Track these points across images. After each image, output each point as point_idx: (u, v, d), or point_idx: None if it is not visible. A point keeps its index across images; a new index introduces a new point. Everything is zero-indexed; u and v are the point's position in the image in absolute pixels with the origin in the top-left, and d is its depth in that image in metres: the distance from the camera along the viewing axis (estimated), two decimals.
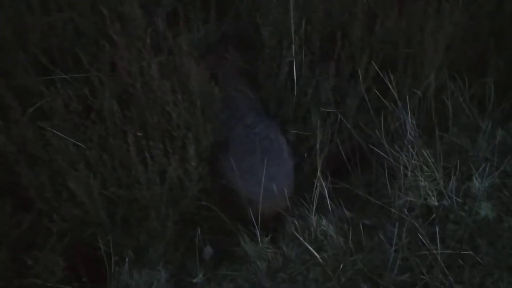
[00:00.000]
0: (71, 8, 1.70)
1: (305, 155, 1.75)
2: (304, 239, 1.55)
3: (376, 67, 1.65)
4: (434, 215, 1.60)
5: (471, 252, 1.47)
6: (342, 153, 1.75)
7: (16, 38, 1.64)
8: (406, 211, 1.60)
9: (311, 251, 1.49)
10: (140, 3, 1.71)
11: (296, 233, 1.52)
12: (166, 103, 1.49)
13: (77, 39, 1.72)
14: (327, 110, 1.68)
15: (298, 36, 1.65)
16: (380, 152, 1.69)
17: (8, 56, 1.62)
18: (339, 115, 1.70)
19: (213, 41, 1.93)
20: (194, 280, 1.55)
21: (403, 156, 1.66)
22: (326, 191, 1.58)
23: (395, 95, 1.66)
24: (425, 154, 1.66)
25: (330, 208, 1.60)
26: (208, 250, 1.64)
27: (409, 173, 1.65)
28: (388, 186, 1.67)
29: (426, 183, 1.65)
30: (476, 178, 1.67)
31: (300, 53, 1.68)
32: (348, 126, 1.72)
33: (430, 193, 1.65)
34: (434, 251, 1.45)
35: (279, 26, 1.71)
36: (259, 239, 1.56)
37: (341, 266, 1.47)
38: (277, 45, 1.72)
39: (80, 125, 1.49)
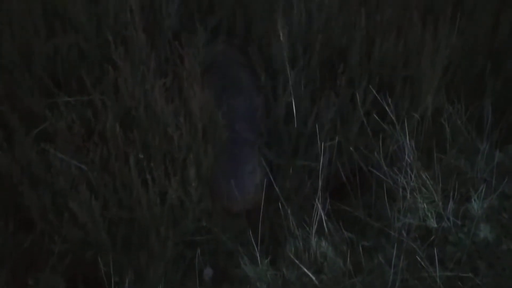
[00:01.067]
0: (76, 32, 1.74)
1: (306, 177, 1.76)
2: (304, 261, 1.55)
3: (375, 91, 1.67)
4: (433, 237, 1.61)
5: (470, 275, 1.47)
6: (342, 175, 1.76)
7: (22, 61, 1.68)
8: (405, 233, 1.61)
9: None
10: (144, 27, 1.76)
11: (294, 256, 1.53)
12: (168, 126, 1.52)
13: (81, 62, 1.76)
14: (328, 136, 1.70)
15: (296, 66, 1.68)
16: (379, 175, 1.71)
17: (13, 78, 1.66)
18: (338, 139, 1.71)
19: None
20: None
21: (402, 178, 1.67)
22: (325, 213, 1.60)
23: (393, 118, 1.68)
24: (424, 176, 1.68)
25: (330, 230, 1.60)
26: (208, 271, 1.65)
27: (408, 195, 1.66)
28: (388, 208, 1.68)
29: (425, 205, 1.66)
30: (474, 200, 1.67)
31: (299, 83, 1.71)
32: (348, 149, 1.73)
33: (429, 215, 1.66)
34: (433, 274, 1.46)
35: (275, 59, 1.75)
36: (259, 261, 1.56)
37: None
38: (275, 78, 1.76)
39: (83, 147, 1.52)
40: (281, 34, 1.73)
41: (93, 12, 1.76)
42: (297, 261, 1.51)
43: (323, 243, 1.59)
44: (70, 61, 1.75)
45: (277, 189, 1.66)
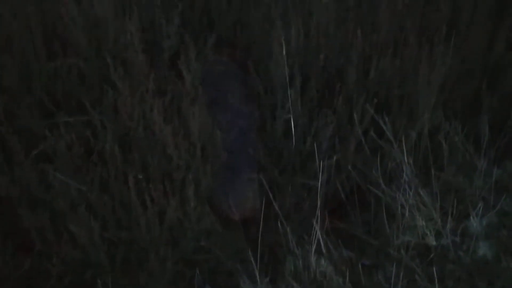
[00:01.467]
0: (76, 54, 1.76)
1: (305, 195, 1.76)
2: (304, 279, 1.55)
3: (372, 110, 1.69)
4: (433, 254, 1.61)
5: None
6: (341, 193, 1.77)
7: (22, 82, 1.70)
8: (404, 251, 1.60)
9: None
10: (143, 48, 1.78)
11: (294, 274, 1.52)
12: (167, 146, 1.53)
13: (81, 83, 1.78)
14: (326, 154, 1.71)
15: (295, 85, 1.70)
16: (378, 192, 1.71)
17: (13, 99, 1.67)
18: (336, 157, 1.72)
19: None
20: None
21: (400, 195, 1.68)
22: (324, 231, 1.60)
23: (390, 137, 1.69)
24: (422, 193, 1.68)
25: (329, 248, 1.60)
26: None
27: (407, 213, 1.67)
28: (387, 226, 1.68)
29: (423, 222, 1.66)
30: (473, 217, 1.68)
31: (296, 102, 1.72)
32: (346, 167, 1.74)
33: (428, 233, 1.66)
34: None
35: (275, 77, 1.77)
36: (258, 280, 1.56)
37: None
38: (273, 96, 1.78)
39: (82, 168, 1.53)
40: (283, 50, 1.75)
41: (93, 35, 1.79)
42: (296, 283, 1.50)
43: (323, 262, 1.59)
44: (70, 82, 1.77)
45: (276, 206, 1.67)
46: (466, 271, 1.53)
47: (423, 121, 1.75)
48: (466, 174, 1.82)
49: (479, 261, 1.58)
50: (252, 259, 1.53)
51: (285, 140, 1.77)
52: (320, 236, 1.59)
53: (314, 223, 1.60)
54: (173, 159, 1.54)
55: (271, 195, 1.67)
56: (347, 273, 1.52)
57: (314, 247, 1.60)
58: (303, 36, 1.90)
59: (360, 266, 1.58)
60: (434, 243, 1.64)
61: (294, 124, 1.74)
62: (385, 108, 1.76)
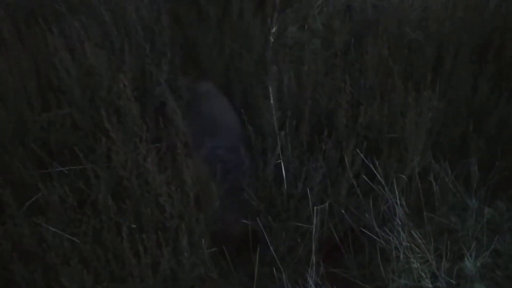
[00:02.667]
0: (70, 104, 1.78)
1: (298, 240, 1.76)
2: None
3: (362, 154, 1.72)
4: None
5: None
6: (335, 236, 1.77)
7: (15, 134, 1.71)
8: None
9: None
10: (135, 96, 1.81)
11: None
12: (160, 195, 1.53)
13: (74, 132, 1.79)
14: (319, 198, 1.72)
15: (284, 130, 1.73)
16: (372, 235, 1.72)
17: (7, 151, 1.68)
18: (329, 201, 1.73)
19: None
20: None
21: (394, 238, 1.68)
22: (319, 277, 1.59)
23: (382, 180, 1.71)
24: (415, 235, 1.69)
25: None
26: None
27: (401, 255, 1.67)
28: (382, 269, 1.68)
29: (418, 264, 1.66)
30: (468, 258, 1.68)
31: (286, 146, 1.75)
32: (339, 211, 1.75)
33: (423, 275, 1.66)
34: None
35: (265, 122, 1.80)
36: None
37: None
38: (263, 143, 1.81)
39: (75, 220, 1.52)
40: (271, 98, 1.80)
41: (86, 85, 1.82)
42: None
43: None
44: (64, 132, 1.78)
45: (272, 248, 1.66)
46: None
47: (413, 163, 1.77)
48: (458, 214, 1.84)
49: None
50: None
51: (276, 185, 1.79)
52: (315, 282, 1.58)
53: (309, 269, 1.59)
54: (166, 209, 1.54)
55: (268, 239, 1.67)
56: None
57: None
58: (293, 81, 1.94)
59: None
60: (430, 286, 1.63)
61: (285, 169, 1.76)
62: (375, 152, 1.79)
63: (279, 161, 1.75)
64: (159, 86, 1.97)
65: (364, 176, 1.75)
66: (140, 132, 1.64)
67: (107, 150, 1.67)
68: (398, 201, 1.73)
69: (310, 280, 1.60)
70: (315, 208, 1.64)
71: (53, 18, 1.98)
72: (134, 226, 1.52)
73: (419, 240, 1.68)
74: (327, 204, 1.69)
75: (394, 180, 1.74)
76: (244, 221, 1.71)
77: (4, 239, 1.47)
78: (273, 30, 2.22)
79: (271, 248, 1.67)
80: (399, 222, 1.70)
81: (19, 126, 1.72)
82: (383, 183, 1.73)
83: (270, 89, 1.86)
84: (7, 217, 1.51)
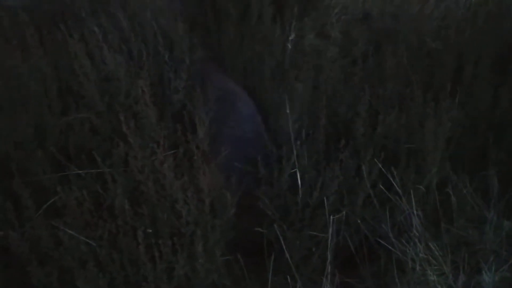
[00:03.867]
0: (88, 108, 1.80)
1: (313, 249, 1.75)
2: None
3: (380, 163, 1.70)
4: None
5: None
6: (351, 246, 1.75)
7: (35, 137, 1.73)
8: None
9: None
10: (153, 101, 1.82)
11: None
12: (176, 201, 1.54)
13: (92, 137, 1.81)
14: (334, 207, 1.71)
15: (300, 138, 1.73)
16: (388, 246, 1.70)
17: (26, 154, 1.70)
18: (345, 210, 1.72)
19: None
20: None
21: (410, 249, 1.66)
22: (334, 287, 1.57)
23: (399, 190, 1.70)
24: (432, 247, 1.66)
25: None
26: None
27: (417, 267, 1.64)
28: (397, 280, 1.65)
29: (435, 277, 1.64)
30: (485, 272, 1.65)
31: (302, 155, 1.75)
32: (355, 220, 1.74)
33: None
34: None
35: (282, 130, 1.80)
36: None
37: None
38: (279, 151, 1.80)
39: (92, 223, 1.53)
40: (287, 106, 1.80)
41: (105, 90, 1.84)
42: None
43: None
44: (82, 136, 1.80)
45: (286, 257, 1.65)
46: None
47: (431, 174, 1.75)
48: (476, 227, 1.81)
49: None
50: None
51: (292, 193, 1.78)
52: None
53: (324, 279, 1.58)
54: (182, 215, 1.54)
55: (282, 248, 1.66)
56: None
57: None
58: (309, 89, 1.94)
59: None
60: None
61: (301, 178, 1.75)
62: (393, 161, 1.77)
63: (294, 170, 1.74)
64: (177, 92, 1.98)
65: (381, 186, 1.73)
66: (157, 137, 1.65)
67: (124, 154, 1.68)
68: (415, 212, 1.71)
69: None
70: (331, 217, 1.63)
71: (74, 23, 2.01)
72: (150, 231, 1.52)
73: (436, 252, 1.65)
74: (344, 213, 1.68)
75: (412, 191, 1.72)
76: (259, 229, 1.71)
77: (22, 241, 1.49)
78: (291, 37, 2.22)
79: (285, 256, 1.66)
80: (416, 233, 1.67)
81: (39, 129, 1.74)
82: (400, 193, 1.71)
83: (286, 97, 1.86)
84: (25, 219, 1.53)
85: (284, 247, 1.67)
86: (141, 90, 1.73)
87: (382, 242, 1.71)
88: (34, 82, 1.69)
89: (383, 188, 1.74)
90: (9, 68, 1.70)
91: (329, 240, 1.61)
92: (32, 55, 1.77)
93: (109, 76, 1.89)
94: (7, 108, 1.69)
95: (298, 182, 1.75)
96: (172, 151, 1.70)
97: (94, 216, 1.54)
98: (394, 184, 1.71)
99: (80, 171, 1.73)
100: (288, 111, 1.74)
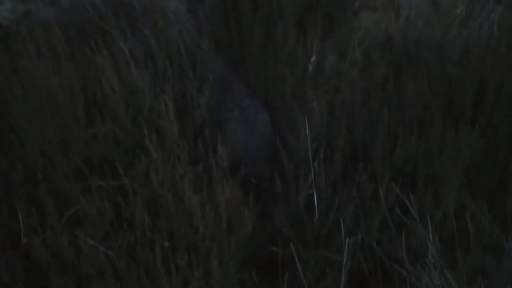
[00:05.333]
0: (113, 120, 1.85)
1: (327, 269, 1.75)
2: None
3: (397, 188, 1.71)
4: None
5: None
6: (365, 269, 1.75)
7: (61, 147, 1.79)
8: None
9: None
10: (176, 116, 1.86)
11: None
12: (194, 216, 1.56)
13: (115, 149, 1.86)
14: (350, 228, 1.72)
15: (318, 158, 1.75)
16: (402, 271, 1.69)
17: (52, 163, 1.75)
18: (360, 234, 1.72)
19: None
20: None
21: (425, 275, 1.65)
22: None
23: (416, 215, 1.69)
24: (448, 275, 1.65)
25: None
26: None
27: None
28: None
29: None
30: None
31: (320, 175, 1.76)
32: (371, 243, 1.74)
33: None
34: None
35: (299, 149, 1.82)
36: None
37: None
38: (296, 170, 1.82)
39: (111, 233, 1.57)
40: (306, 126, 1.82)
41: (130, 103, 1.89)
42: None
43: None
44: (105, 147, 1.85)
45: (300, 277, 1.65)
46: None
47: (449, 200, 1.75)
48: (493, 256, 1.78)
49: None
50: None
51: (308, 213, 1.79)
52: None
53: None
54: (199, 229, 1.57)
55: (297, 267, 1.66)
56: None
57: None
58: (329, 111, 1.96)
59: None
60: None
61: (317, 198, 1.76)
62: (411, 186, 1.77)
63: (312, 190, 1.76)
64: (199, 108, 2.02)
65: (398, 210, 1.73)
66: (179, 152, 1.68)
67: (146, 167, 1.72)
68: (431, 238, 1.70)
69: None
70: (347, 239, 1.63)
71: (103, 38, 2.08)
72: (167, 244, 1.55)
73: (451, 280, 1.64)
74: (360, 237, 1.68)
75: (428, 216, 1.72)
76: (274, 248, 1.72)
77: (44, 248, 1.53)
78: (313, 58, 2.26)
79: (299, 276, 1.66)
80: (432, 260, 1.66)
81: (65, 139, 1.79)
82: (417, 218, 1.71)
83: (306, 118, 1.88)
84: (48, 226, 1.57)
85: (298, 266, 1.68)
86: (165, 105, 1.78)
87: (397, 267, 1.71)
88: (63, 94, 1.75)
89: (400, 213, 1.74)
90: (40, 80, 1.77)
91: (344, 261, 1.62)
92: (62, 68, 1.84)
93: (134, 90, 1.94)
94: (36, 118, 1.75)
95: (314, 202, 1.77)
96: (192, 166, 1.73)
97: (114, 226, 1.58)
98: (411, 209, 1.71)
99: (102, 182, 1.78)
100: (307, 132, 1.76)
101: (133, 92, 1.94)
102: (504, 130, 1.89)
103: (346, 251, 1.63)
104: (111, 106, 1.86)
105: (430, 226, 1.69)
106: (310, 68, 2.23)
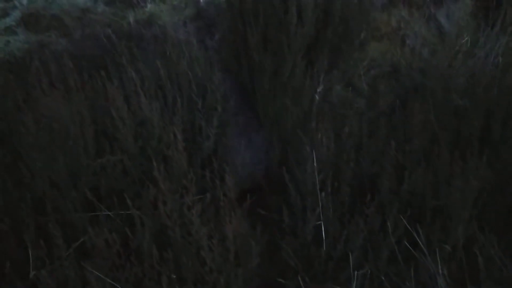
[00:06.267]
0: (122, 151, 1.87)
1: None
2: None
3: (405, 220, 1.70)
4: None
5: None
6: None
7: (70, 177, 1.80)
8: None
9: None
10: (184, 147, 1.88)
11: None
12: (201, 248, 1.56)
13: (123, 179, 1.87)
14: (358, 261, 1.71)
15: (325, 190, 1.75)
16: None
17: (61, 193, 1.77)
18: (368, 266, 1.71)
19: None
20: None
21: None
22: None
23: (424, 248, 1.68)
24: None
25: None
26: None
27: None
28: None
29: None
30: None
31: (327, 207, 1.76)
32: (379, 277, 1.72)
33: None
34: None
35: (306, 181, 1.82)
36: None
37: None
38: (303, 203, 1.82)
39: (119, 265, 1.56)
40: (314, 157, 1.82)
41: (139, 133, 1.91)
42: None
43: None
44: (114, 177, 1.86)
45: None
46: None
47: (457, 233, 1.73)
48: None
49: None
50: None
51: (315, 245, 1.78)
52: None
53: None
54: (206, 262, 1.56)
55: None
56: None
57: None
58: (335, 141, 1.97)
59: None
60: None
61: (325, 230, 1.75)
62: (419, 218, 1.77)
63: (319, 222, 1.75)
64: (208, 139, 2.04)
65: (406, 243, 1.72)
66: (187, 183, 1.69)
67: (153, 198, 1.73)
68: (440, 271, 1.68)
69: None
70: (355, 272, 1.62)
71: (113, 68, 2.12)
72: (174, 276, 1.54)
73: None
74: (368, 270, 1.67)
75: (437, 249, 1.70)
76: (281, 280, 1.71)
77: (50, 279, 1.53)
78: (319, 89, 2.28)
79: None
80: None
81: (74, 169, 1.81)
82: (426, 251, 1.69)
83: (313, 148, 1.89)
84: (56, 258, 1.57)
85: None
86: (173, 136, 1.80)
87: None
88: (74, 125, 1.78)
89: (408, 245, 1.73)
90: (51, 111, 1.80)
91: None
92: (73, 99, 1.87)
93: (144, 120, 1.97)
94: (46, 149, 1.78)
95: (322, 234, 1.76)
96: (199, 196, 1.74)
97: (121, 258, 1.58)
98: (419, 242, 1.70)
99: (110, 212, 1.78)
100: (315, 163, 1.77)
101: (143, 123, 1.96)
102: (511, 163, 1.89)
103: (354, 284, 1.62)
104: (120, 136, 1.88)
105: (438, 259, 1.68)
106: (317, 98, 2.25)
